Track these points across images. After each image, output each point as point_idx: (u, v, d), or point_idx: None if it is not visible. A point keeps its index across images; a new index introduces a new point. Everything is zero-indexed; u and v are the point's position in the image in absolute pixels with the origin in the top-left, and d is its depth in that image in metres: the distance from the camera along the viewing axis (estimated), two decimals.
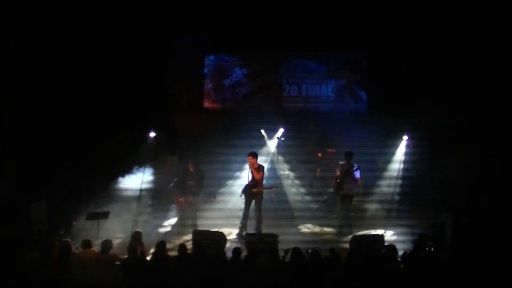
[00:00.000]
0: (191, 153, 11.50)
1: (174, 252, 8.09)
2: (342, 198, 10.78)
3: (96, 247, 8.17)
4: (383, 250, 8.07)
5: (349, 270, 6.96)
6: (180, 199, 10.64)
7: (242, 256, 7.51)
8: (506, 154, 10.91)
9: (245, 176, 10.77)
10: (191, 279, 6.98)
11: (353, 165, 10.72)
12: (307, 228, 11.39)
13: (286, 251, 7.62)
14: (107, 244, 7.81)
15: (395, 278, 6.93)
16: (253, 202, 10.55)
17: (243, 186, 10.68)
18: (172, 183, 10.98)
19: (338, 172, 10.87)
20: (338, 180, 10.77)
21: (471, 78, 11.62)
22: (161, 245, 7.75)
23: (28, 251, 7.74)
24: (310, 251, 7.65)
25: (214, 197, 11.14)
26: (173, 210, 11.19)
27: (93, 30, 12.23)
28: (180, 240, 9.71)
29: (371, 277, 6.86)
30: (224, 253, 7.93)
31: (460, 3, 11.39)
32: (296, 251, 7.36)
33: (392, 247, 7.92)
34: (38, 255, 7.58)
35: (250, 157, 10.50)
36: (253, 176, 10.49)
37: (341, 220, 10.84)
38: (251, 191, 10.45)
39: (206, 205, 11.69)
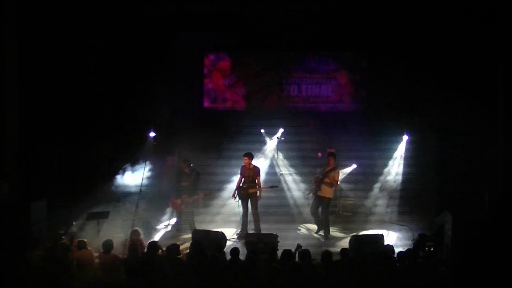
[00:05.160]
0: (191, 153, 11.49)
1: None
2: (321, 199, 10.70)
3: (96, 247, 8.19)
4: (382, 250, 8.06)
5: (345, 270, 6.95)
6: (176, 201, 10.61)
7: (242, 256, 7.51)
8: (507, 153, 10.90)
9: (239, 177, 10.75)
10: (191, 279, 6.97)
11: (336, 167, 10.65)
12: (307, 228, 11.38)
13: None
14: (108, 244, 7.82)
15: (394, 278, 6.92)
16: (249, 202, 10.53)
17: (235, 188, 10.67)
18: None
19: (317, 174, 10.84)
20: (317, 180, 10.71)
21: (471, 78, 11.62)
22: (153, 246, 7.72)
23: (28, 251, 7.73)
24: (300, 250, 7.66)
25: (210, 193, 11.08)
26: (172, 211, 11.18)
27: (93, 31, 12.24)
28: (179, 240, 9.74)
29: (369, 277, 6.86)
30: (223, 253, 7.93)
31: (460, 2, 11.38)
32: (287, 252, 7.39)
33: (390, 248, 7.93)
34: (41, 254, 7.59)
35: (245, 158, 10.48)
36: (246, 177, 10.45)
37: (319, 221, 10.79)
38: (247, 191, 10.41)
39: (204, 204, 11.72)
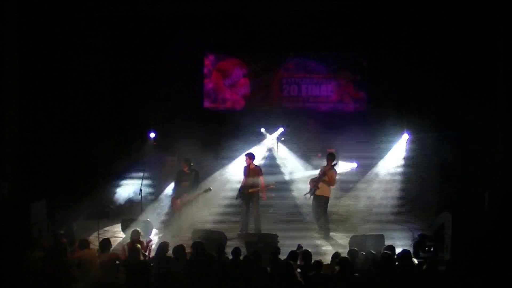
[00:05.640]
0: (191, 153, 11.49)
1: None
2: (319, 198, 10.65)
3: (96, 247, 8.18)
4: (383, 250, 8.05)
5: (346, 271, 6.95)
6: (176, 201, 10.61)
7: (242, 256, 7.51)
8: (507, 153, 10.91)
9: (241, 177, 10.74)
10: (192, 279, 6.97)
11: (334, 166, 10.62)
12: (307, 228, 11.36)
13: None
14: (105, 243, 7.82)
15: (394, 278, 6.92)
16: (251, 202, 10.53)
17: (238, 188, 10.66)
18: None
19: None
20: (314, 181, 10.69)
21: (471, 77, 11.63)
22: (164, 246, 7.73)
23: (28, 251, 7.74)
24: (300, 250, 7.64)
25: (210, 189, 11.08)
26: (172, 211, 11.17)
27: (93, 31, 12.25)
28: (180, 240, 9.72)
29: (370, 277, 6.85)
30: (224, 252, 7.92)
31: (460, 2, 11.40)
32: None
33: (391, 247, 7.93)
34: (41, 254, 7.59)
35: (247, 158, 10.49)
36: (248, 177, 10.45)
37: (319, 222, 10.77)
38: (248, 191, 10.42)
39: (204, 203, 11.71)
